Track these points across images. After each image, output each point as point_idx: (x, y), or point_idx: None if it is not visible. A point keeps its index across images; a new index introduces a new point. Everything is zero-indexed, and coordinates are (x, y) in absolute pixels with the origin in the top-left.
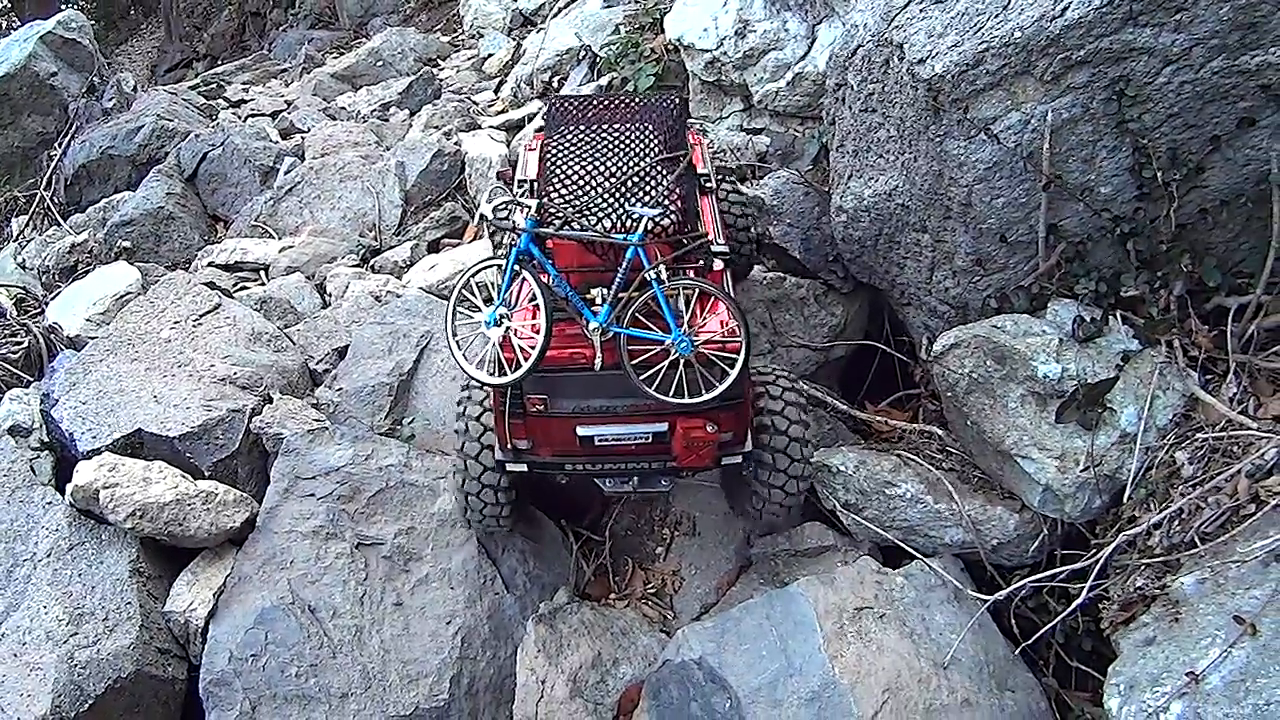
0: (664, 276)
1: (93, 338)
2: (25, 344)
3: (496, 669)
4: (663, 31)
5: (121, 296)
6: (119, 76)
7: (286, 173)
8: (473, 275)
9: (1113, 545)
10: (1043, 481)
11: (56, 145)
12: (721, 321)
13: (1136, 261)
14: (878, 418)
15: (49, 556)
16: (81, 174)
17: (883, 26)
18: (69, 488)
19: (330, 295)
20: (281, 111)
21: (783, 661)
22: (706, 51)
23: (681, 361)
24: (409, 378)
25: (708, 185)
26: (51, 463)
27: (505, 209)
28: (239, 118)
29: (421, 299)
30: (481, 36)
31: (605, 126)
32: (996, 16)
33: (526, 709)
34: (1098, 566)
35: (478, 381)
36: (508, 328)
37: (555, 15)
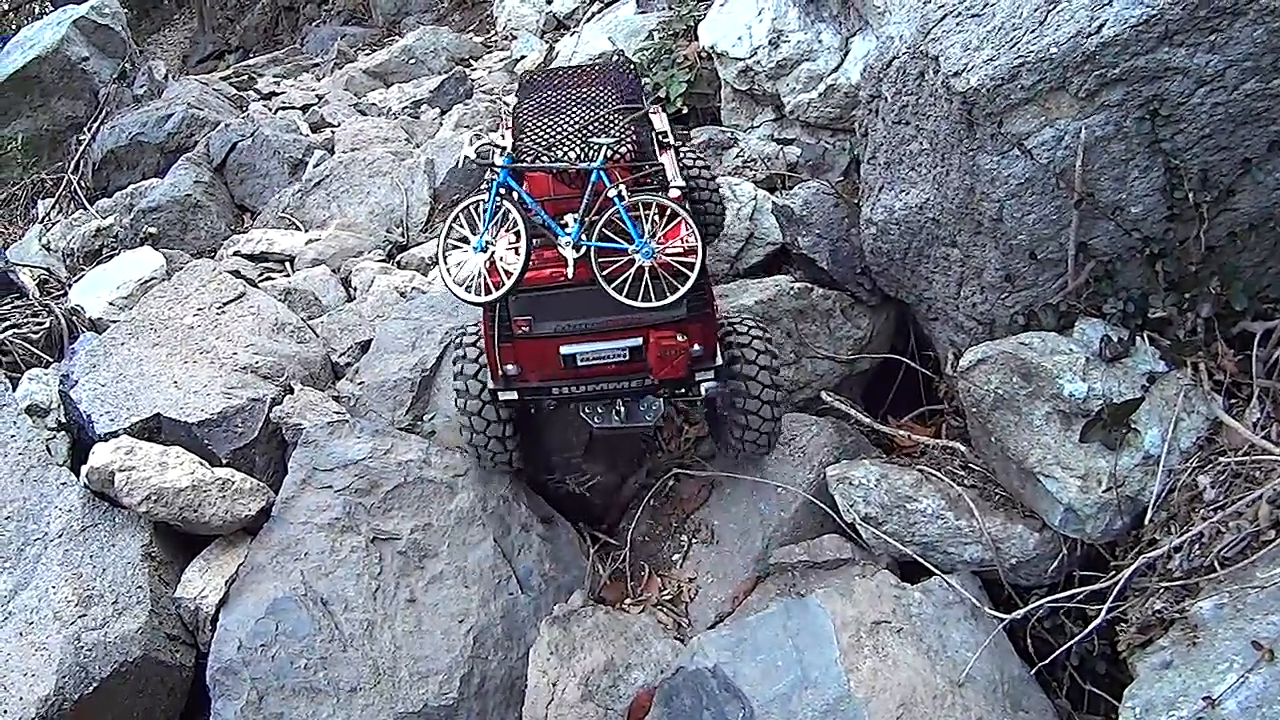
0: (624, 194)
1: (115, 321)
2: (47, 324)
3: (508, 670)
4: (696, 39)
5: (146, 281)
6: (150, 64)
7: (315, 166)
8: (462, 211)
9: (1132, 568)
10: (1064, 501)
11: (86, 130)
12: (681, 239)
13: (1165, 283)
14: (900, 432)
15: (60, 537)
16: (110, 159)
17: (918, 39)
18: (84, 469)
19: (355, 289)
20: (312, 105)
21: (798, 673)
22: (740, 60)
23: (646, 272)
24: (431, 374)
25: (666, 141)
26: (68, 444)
27: (486, 149)
28: (269, 110)
29: (446, 296)
30: (515, 38)
31: (569, 89)
32: (1033, 31)
33: (536, 711)
34: (1116, 589)
35: (468, 301)
36: (493, 253)
37: (589, 20)
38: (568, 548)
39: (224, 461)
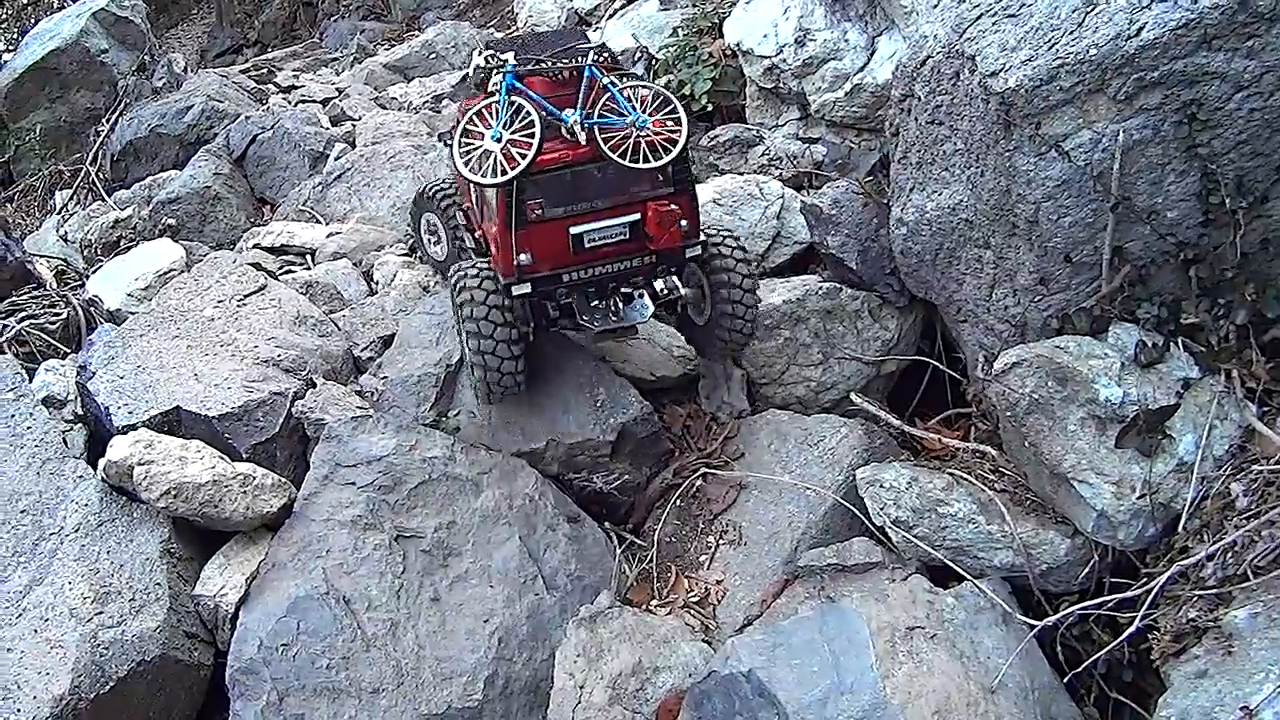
0: (615, 82)
1: (133, 312)
2: (64, 315)
3: (533, 671)
4: (721, 36)
5: (165, 273)
6: (170, 56)
7: (336, 159)
8: (475, 113)
9: (1165, 575)
10: (1098, 507)
11: (104, 122)
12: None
13: (1198, 288)
14: (930, 435)
15: (77, 532)
16: (129, 150)
17: (954, 38)
18: (102, 462)
19: (377, 283)
20: (332, 99)
21: (834, 678)
22: (765, 58)
23: (643, 145)
24: (455, 369)
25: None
26: (85, 436)
27: (494, 57)
28: (289, 103)
29: None
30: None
31: (538, 46)
32: (1071, 33)
33: (563, 713)
34: (1149, 597)
35: (486, 184)
36: (507, 140)
37: (611, 15)
38: (594, 547)
39: (245, 456)
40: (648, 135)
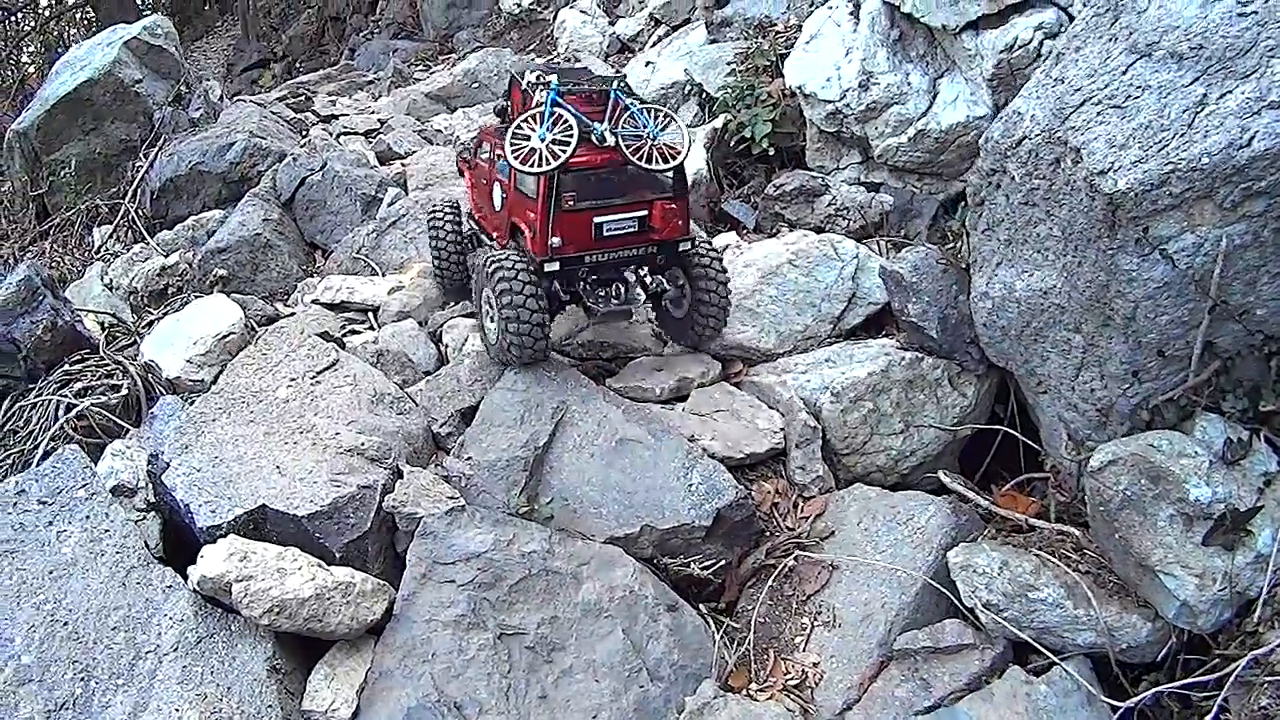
0: (635, 103)
1: (194, 380)
2: (123, 388)
3: None
4: (780, 75)
5: (224, 336)
6: (206, 85)
7: (390, 204)
8: (524, 120)
9: (1242, 662)
10: (1181, 597)
11: (142, 155)
12: (673, 132)
13: (1276, 376)
14: (1018, 515)
15: (175, 650)
16: (169, 188)
17: (1055, 123)
18: (194, 575)
19: (446, 346)
20: (375, 130)
21: None
22: (829, 102)
23: (656, 153)
24: (544, 451)
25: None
26: (159, 525)
27: (539, 77)
28: (330, 133)
29: (553, 365)
30: (578, 61)
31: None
32: (1181, 136)
33: None
34: (1227, 683)
35: (532, 173)
36: (550, 141)
37: (655, 44)
38: (694, 635)
39: (338, 556)
40: (660, 145)
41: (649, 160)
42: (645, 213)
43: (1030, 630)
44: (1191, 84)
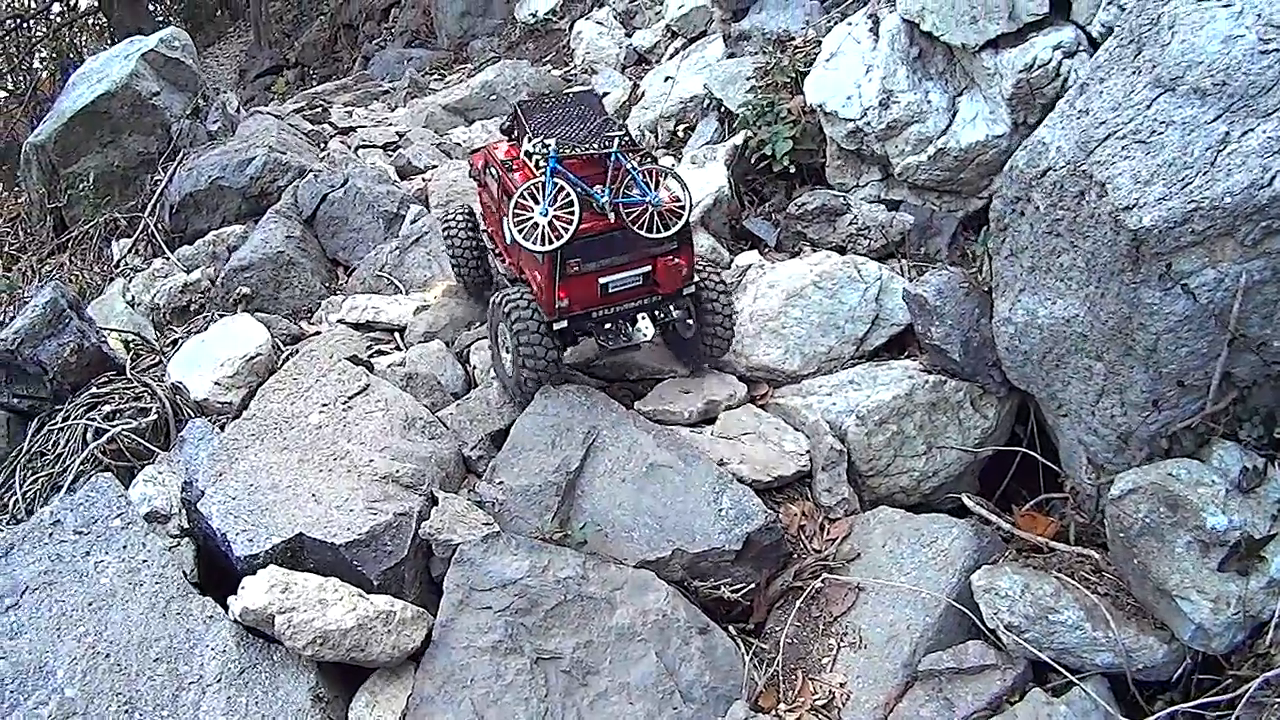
0: (635, 166)
1: (223, 402)
2: (153, 412)
3: None
4: (800, 92)
5: (252, 358)
6: (223, 98)
7: (413, 222)
8: (522, 194)
9: (1255, 683)
10: (1197, 620)
11: (160, 168)
12: (674, 193)
13: None
14: (1040, 538)
15: (218, 681)
16: (188, 203)
17: (1079, 156)
18: (236, 607)
19: (474, 367)
20: (393, 144)
21: None
22: (850, 121)
23: (655, 215)
24: (575, 476)
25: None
26: (193, 551)
27: (539, 145)
28: (348, 146)
29: (581, 389)
30: (594, 73)
31: (561, 110)
32: (1204, 174)
33: None
34: (1240, 703)
35: (538, 252)
36: (552, 215)
37: (672, 56)
38: (725, 657)
39: (375, 583)
40: (661, 208)
41: (651, 227)
42: (650, 268)
43: (1050, 651)
44: (1214, 121)
